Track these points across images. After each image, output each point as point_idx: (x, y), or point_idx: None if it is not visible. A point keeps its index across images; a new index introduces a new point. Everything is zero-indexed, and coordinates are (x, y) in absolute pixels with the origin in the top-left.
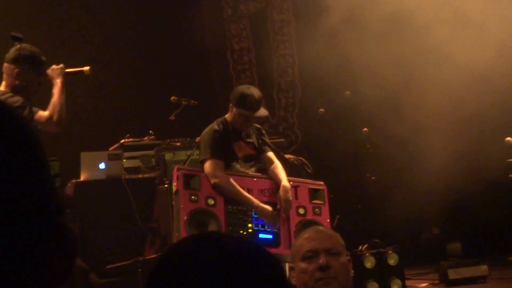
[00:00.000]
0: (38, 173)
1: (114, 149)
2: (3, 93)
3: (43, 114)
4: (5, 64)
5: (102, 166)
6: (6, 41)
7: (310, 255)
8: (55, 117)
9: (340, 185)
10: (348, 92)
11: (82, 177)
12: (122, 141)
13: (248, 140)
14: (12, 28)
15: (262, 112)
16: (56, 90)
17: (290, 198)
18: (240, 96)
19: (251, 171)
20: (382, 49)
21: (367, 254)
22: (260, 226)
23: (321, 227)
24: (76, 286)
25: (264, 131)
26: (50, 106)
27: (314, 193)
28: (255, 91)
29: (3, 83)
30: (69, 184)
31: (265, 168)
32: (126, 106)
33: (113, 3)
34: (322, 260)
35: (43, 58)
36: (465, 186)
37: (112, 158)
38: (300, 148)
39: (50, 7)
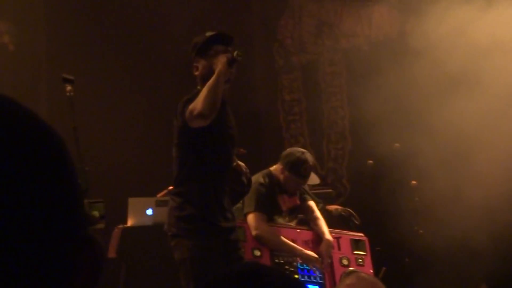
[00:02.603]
0: (66, 183)
1: (162, 196)
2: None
3: (189, 108)
4: None
5: (149, 212)
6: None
7: None
8: (195, 111)
9: (387, 237)
10: (397, 144)
11: (129, 223)
12: (170, 188)
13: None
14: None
15: (314, 179)
16: (210, 80)
17: (331, 254)
18: (295, 161)
19: (293, 223)
20: (435, 102)
21: None
22: (306, 277)
23: (363, 274)
24: None
25: None
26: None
27: (356, 244)
28: (309, 158)
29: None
30: (116, 230)
31: (306, 218)
32: None
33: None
34: None
35: (207, 34)
36: None
37: (160, 205)
38: (349, 199)
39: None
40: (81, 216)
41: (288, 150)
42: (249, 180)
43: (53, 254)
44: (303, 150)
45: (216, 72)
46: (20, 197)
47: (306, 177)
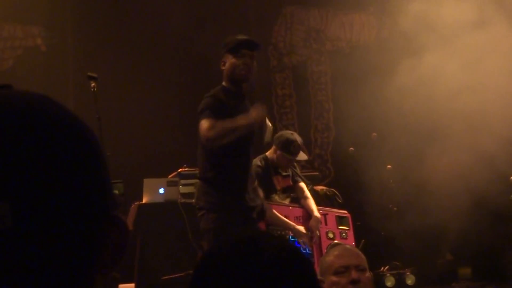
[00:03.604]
0: (101, 172)
1: (172, 177)
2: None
3: (205, 122)
4: None
5: (161, 191)
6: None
7: (342, 270)
8: (204, 138)
9: (366, 214)
10: (374, 134)
11: (144, 200)
12: (180, 170)
13: (284, 174)
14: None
15: (302, 156)
16: (240, 118)
17: (319, 229)
18: (285, 141)
19: (287, 201)
20: (408, 98)
21: (388, 275)
22: None
23: (348, 246)
24: None
25: (295, 164)
26: (219, 123)
27: (340, 220)
28: (298, 138)
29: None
30: (133, 206)
31: (297, 197)
32: (185, 140)
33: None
34: (354, 275)
35: (239, 37)
36: (475, 221)
37: (170, 185)
38: (333, 181)
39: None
40: (111, 200)
41: (279, 133)
42: None
43: (89, 230)
44: (292, 131)
45: (246, 120)
46: (68, 182)
47: (295, 154)
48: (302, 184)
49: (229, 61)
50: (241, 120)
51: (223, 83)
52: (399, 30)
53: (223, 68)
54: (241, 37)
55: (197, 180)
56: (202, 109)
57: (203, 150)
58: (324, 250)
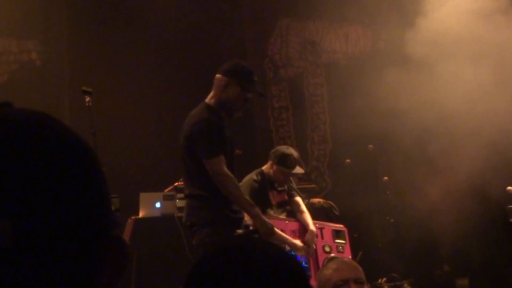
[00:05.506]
0: (100, 191)
1: (168, 191)
2: (201, 108)
3: (216, 162)
4: (217, 75)
5: (158, 205)
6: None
7: (341, 284)
8: (221, 179)
9: (363, 226)
10: (371, 146)
11: (141, 214)
12: (176, 184)
13: (280, 188)
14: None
15: (299, 169)
16: (255, 212)
17: (315, 242)
18: (281, 155)
19: (283, 216)
20: (404, 110)
21: (385, 287)
22: None
23: (345, 259)
24: None
25: (291, 178)
26: (238, 188)
27: (336, 234)
28: (294, 152)
29: (211, 94)
30: (129, 220)
31: (293, 211)
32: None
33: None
34: None
35: (255, 78)
36: (472, 231)
37: (167, 199)
38: (330, 193)
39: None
40: (112, 218)
41: (275, 148)
42: None
43: (89, 249)
44: (288, 146)
45: (256, 223)
46: (69, 200)
47: (292, 168)
48: (298, 198)
49: (237, 93)
50: (254, 212)
51: (210, 102)
52: (394, 42)
53: (225, 91)
54: (255, 77)
55: None
56: (209, 141)
57: (194, 169)
58: (321, 264)
